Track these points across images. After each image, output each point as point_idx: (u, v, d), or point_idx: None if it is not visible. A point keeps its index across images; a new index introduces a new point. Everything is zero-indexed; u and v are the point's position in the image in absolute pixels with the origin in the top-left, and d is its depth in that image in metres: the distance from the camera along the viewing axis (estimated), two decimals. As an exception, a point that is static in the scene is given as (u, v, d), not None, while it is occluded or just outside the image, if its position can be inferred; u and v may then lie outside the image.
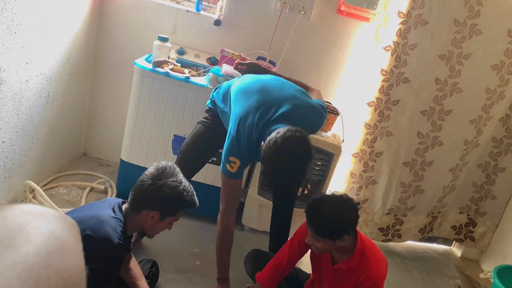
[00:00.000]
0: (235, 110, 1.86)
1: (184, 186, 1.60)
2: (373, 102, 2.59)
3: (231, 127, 1.84)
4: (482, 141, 2.77)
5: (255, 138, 1.79)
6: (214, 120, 2.11)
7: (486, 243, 3.01)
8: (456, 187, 2.91)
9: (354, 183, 2.77)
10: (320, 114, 1.95)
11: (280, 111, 1.79)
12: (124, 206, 1.62)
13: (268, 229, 2.47)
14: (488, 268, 2.84)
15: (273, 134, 1.66)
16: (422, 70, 2.52)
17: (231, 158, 1.83)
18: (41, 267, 0.41)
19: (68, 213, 1.57)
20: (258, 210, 2.71)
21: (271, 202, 2.40)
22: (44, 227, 0.46)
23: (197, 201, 1.66)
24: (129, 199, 1.61)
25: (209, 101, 2.16)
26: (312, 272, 2.01)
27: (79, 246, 0.49)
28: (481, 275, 2.77)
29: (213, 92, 2.14)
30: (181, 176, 1.62)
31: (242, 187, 2.65)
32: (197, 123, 2.18)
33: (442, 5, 2.40)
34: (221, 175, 1.91)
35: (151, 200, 1.56)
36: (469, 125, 2.69)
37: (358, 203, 1.75)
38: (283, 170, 1.66)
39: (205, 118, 2.15)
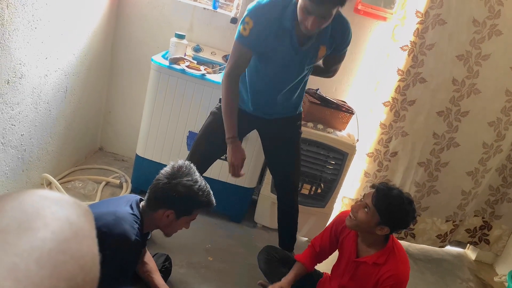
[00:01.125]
0: None
1: (199, 186, 1.60)
2: (389, 102, 2.57)
3: None
4: (505, 146, 2.73)
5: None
6: None
7: (501, 246, 2.97)
8: (478, 194, 2.87)
9: (368, 182, 2.75)
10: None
11: None
12: (141, 204, 1.64)
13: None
14: (503, 272, 2.81)
15: None
16: (439, 71, 2.50)
17: (246, 19, 1.78)
18: (58, 253, 0.42)
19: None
20: (270, 207, 2.71)
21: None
22: (61, 212, 0.46)
23: (214, 201, 1.66)
24: (145, 197, 1.63)
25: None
26: (333, 266, 2.02)
27: (93, 233, 0.49)
28: (495, 279, 2.74)
29: None
30: (197, 175, 1.63)
31: (254, 185, 2.67)
32: (210, 113, 2.16)
33: (461, 4, 2.37)
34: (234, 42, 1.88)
35: (166, 199, 1.57)
36: (487, 127, 2.66)
37: (419, 215, 1.76)
38: None
39: (218, 108, 2.11)
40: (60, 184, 2.49)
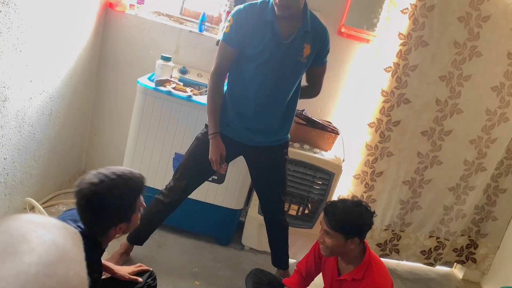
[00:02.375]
0: None
1: (108, 183, 1.35)
2: (373, 123, 2.60)
3: None
4: (488, 165, 2.77)
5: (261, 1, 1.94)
6: None
7: (488, 265, 2.98)
8: (466, 214, 2.89)
9: (355, 203, 2.75)
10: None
11: None
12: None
13: (268, 249, 2.45)
14: (490, 290, 2.81)
15: None
16: (423, 91, 2.55)
17: (229, 19, 1.94)
18: (44, 277, 0.41)
19: None
20: (258, 229, 2.69)
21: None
22: (47, 236, 0.46)
23: (140, 175, 1.44)
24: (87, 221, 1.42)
25: None
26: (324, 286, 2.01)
27: (81, 256, 0.49)
28: (483, 298, 2.74)
29: None
30: (99, 177, 1.35)
31: (242, 207, 2.66)
32: (195, 138, 2.18)
33: (443, 27, 2.43)
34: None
35: (109, 221, 1.40)
36: (468, 145, 2.70)
37: (374, 211, 1.77)
38: None
39: (203, 134, 2.15)
40: (43, 208, 2.43)
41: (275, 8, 1.87)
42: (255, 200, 2.64)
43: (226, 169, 2.13)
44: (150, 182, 2.53)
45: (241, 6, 1.95)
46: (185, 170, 2.16)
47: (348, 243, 1.71)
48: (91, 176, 1.36)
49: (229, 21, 1.93)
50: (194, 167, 2.14)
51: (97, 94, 2.90)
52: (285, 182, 2.29)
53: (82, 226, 1.40)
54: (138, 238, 2.28)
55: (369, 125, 2.61)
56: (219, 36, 2.67)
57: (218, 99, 2.03)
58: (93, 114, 2.95)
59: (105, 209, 1.36)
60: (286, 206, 2.54)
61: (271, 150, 2.15)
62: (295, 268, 2.06)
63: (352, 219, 1.70)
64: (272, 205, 2.32)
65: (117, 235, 1.52)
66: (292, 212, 2.65)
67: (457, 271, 3.15)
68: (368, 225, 1.74)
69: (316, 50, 2.01)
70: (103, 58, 2.82)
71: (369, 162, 2.66)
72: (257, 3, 1.96)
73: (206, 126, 2.13)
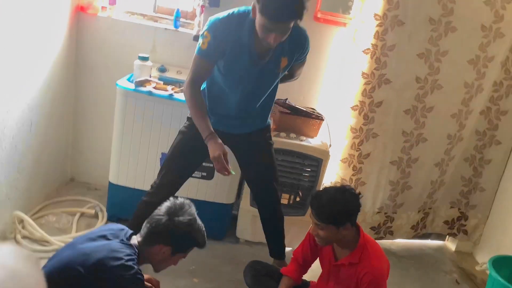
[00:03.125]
0: None
1: (198, 225, 1.64)
2: (356, 106, 2.62)
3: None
4: (466, 135, 2.82)
5: (237, 14, 1.86)
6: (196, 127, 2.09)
7: (479, 235, 3.04)
8: (445, 182, 2.94)
9: (346, 187, 2.78)
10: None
11: None
12: (134, 238, 1.61)
13: (263, 240, 2.46)
14: (483, 260, 2.87)
15: None
16: (402, 70, 2.57)
17: (205, 33, 1.87)
18: None
19: (68, 247, 1.54)
20: (252, 221, 2.69)
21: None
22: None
23: (206, 241, 1.70)
24: (143, 232, 1.61)
25: None
26: (320, 273, 2.02)
27: (36, 271, 0.52)
28: (477, 268, 2.80)
29: None
30: (195, 213, 1.65)
31: (233, 201, 2.65)
32: (179, 132, 2.16)
33: (417, 4, 2.45)
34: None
35: (166, 235, 1.58)
36: (450, 120, 2.74)
37: (359, 193, 1.78)
38: None
39: (187, 126, 2.13)
40: (33, 220, 2.40)
41: (264, 41, 1.80)
42: (246, 192, 2.65)
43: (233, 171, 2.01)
44: (138, 184, 2.53)
45: (218, 17, 1.87)
46: (170, 166, 2.14)
47: (340, 230, 1.72)
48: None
49: (205, 36, 1.86)
50: (180, 162, 2.12)
51: (77, 100, 2.86)
52: (274, 168, 2.28)
53: (125, 240, 1.53)
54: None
55: (352, 108, 2.63)
56: (195, 33, 2.66)
57: (200, 105, 1.97)
58: (74, 121, 2.91)
59: (177, 224, 1.57)
60: (278, 195, 2.56)
61: (252, 135, 2.16)
62: (292, 257, 2.08)
63: (339, 207, 1.71)
64: (265, 193, 2.31)
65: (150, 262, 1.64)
66: (284, 201, 2.66)
67: (450, 244, 3.21)
68: (356, 208, 1.75)
69: (294, 59, 2.02)
70: (79, 63, 2.77)
71: (355, 145, 2.68)
72: (234, 14, 1.88)
73: (188, 118, 2.12)
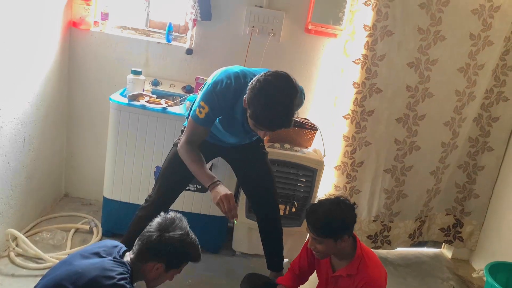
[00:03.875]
0: (220, 69, 1.94)
1: (191, 239, 1.61)
2: (348, 114, 2.64)
3: (213, 76, 1.91)
4: (460, 142, 2.84)
5: (234, 87, 1.84)
6: None
7: (474, 241, 3.05)
8: (441, 190, 2.96)
9: (340, 196, 2.78)
10: (300, 90, 1.97)
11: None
12: (127, 254, 1.60)
13: (260, 252, 2.45)
14: (479, 266, 2.87)
15: (256, 77, 1.73)
16: (392, 79, 2.60)
17: (202, 103, 1.87)
18: None
19: (61, 265, 1.52)
20: (247, 233, 2.69)
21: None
22: None
23: (201, 255, 1.67)
24: (135, 249, 1.59)
25: (186, 121, 2.14)
26: (317, 284, 2.01)
27: None
28: (474, 274, 2.80)
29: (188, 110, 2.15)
30: (188, 227, 1.63)
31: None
32: (173, 145, 2.15)
33: (405, 15, 2.48)
34: (189, 119, 1.96)
35: (159, 252, 1.56)
36: (443, 128, 2.76)
37: (354, 203, 1.78)
38: (270, 100, 1.67)
39: (181, 139, 2.12)
40: (27, 237, 2.38)
41: (254, 131, 1.83)
42: (241, 204, 2.64)
43: (236, 220, 1.93)
44: (132, 199, 2.52)
45: (216, 90, 1.85)
46: (165, 180, 2.14)
47: (338, 243, 1.73)
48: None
49: (202, 106, 1.86)
50: (174, 174, 2.11)
51: (70, 114, 2.86)
52: (271, 178, 2.28)
53: (118, 258, 1.52)
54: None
55: (344, 117, 2.65)
56: (188, 46, 2.68)
57: (197, 157, 1.95)
58: (68, 136, 2.90)
59: (169, 240, 1.54)
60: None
61: (245, 146, 2.18)
62: (289, 267, 2.07)
63: (335, 220, 1.71)
64: (265, 207, 2.30)
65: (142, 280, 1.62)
66: (280, 212, 2.65)
67: (446, 251, 3.21)
68: (352, 219, 1.76)
69: None
70: (72, 78, 2.78)
71: (348, 153, 2.70)
72: (230, 87, 1.84)
73: (183, 131, 2.12)
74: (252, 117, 1.73)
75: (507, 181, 2.86)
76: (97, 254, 1.52)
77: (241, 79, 1.85)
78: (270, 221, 2.33)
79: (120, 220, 2.49)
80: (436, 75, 2.62)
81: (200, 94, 1.94)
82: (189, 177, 2.16)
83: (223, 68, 1.94)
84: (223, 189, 1.87)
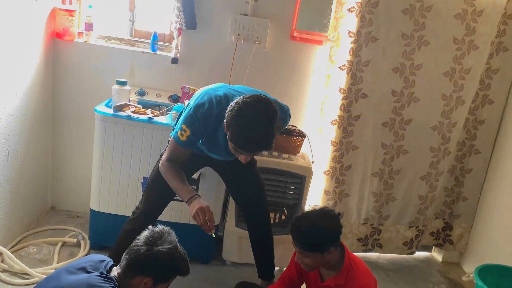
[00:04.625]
0: (203, 89, 1.93)
1: (179, 253, 1.58)
2: (336, 120, 2.65)
3: (195, 98, 1.89)
4: (452, 148, 2.85)
5: (216, 112, 1.82)
6: None
7: (464, 244, 3.06)
8: (436, 198, 2.97)
9: (329, 200, 2.79)
10: (283, 110, 1.99)
11: (245, 92, 1.87)
12: (115, 269, 1.56)
13: (250, 261, 2.43)
14: (470, 269, 2.88)
15: (234, 100, 1.72)
16: (378, 85, 2.61)
17: (184, 126, 1.86)
18: None
19: (48, 281, 1.50)
20: (238, 242, 2.67)
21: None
22: None
23: (189, 269, 1.64)
24: (122, 264, 1.56)
25: (173, 131, 2.11)
26: None
27: None
28: (464, 278, 2.80)
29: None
30: (176, 240, 1.60)
31: (217, 223, 2.62)
32: (160, 155, 2.13)
33: (389, 21, 2.50)
34: (171, 139, 1.95)
35: (146, 266, 1.52)
36: (431, 132, 2.78)
37: (339, 213, 1.77)
38: (249, 123, 1.66)
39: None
40: (12, 252, 2.34)
41: (235, 155, 1.83)
42: (231, 213, 2.62)
43: (215, 232, 1.93)
44: (120, 210, 2.49)
45: (198, 114, 1.84)
46: (151, 192, 2.12)
47: (325, 256, 1.71)
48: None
49: (184, 129, 1.86)
50: (161, 186, 2.07)
51: (55, 126, 2.83)
52: (261, 186, 2.27)
53: (104, 272, 1.50)
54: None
55: (331, 122, 2.66)
56: (173, 55, 2.67)
57: (177, 173, 1.95)
58: (53, 148, 2.87)
59: (157, 254, 1.51)
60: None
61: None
62: (280, 277, 2.05)
63: (320, 235, 1.69)
64: (257, 216, 2.30)
65: None
66: (270, 220, 2.64)
67: (436, 255, 3.21)
68: (337, 232, 1.73)
69: None
70: (56, 89, 2.75)
71: (337, 157, 2.71)
72: (211, 112, 1.83)
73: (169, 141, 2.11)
74: (232, 140, 1.72)
75: (494, 183, 2.88)
76: (84, 269, 1.48)
77: (223, 103, 1.82)
78: (261, 229, 2.32)
79: (108, 233, 2.45)
80: (421, 79, 2.64)
81: (182, 115, 1.93)
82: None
83: (206, 88, 1.93)
84: (199, 203, 1.86)
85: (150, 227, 1.62)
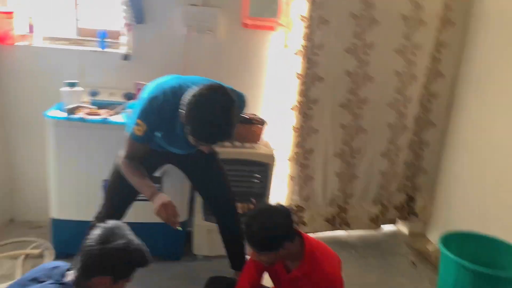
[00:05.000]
0: (153, 82, 1.89)
1: (135, 245, 1.51)
2: (295, 105, 2.66)
3: (148, 91, 1.85)
4: (409, 123, 2.93)
5: (171, 103, 1.78)
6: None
7: (428, 215, 3.15)
8: (398, 173, 3.04)
9: (295, 185, 2.82)
10: (240, 97, 1.96)
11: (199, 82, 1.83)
12: (70, 274, 1.50)
13: (221, 253, 2.42)
14: (434, 238, 2.98)
15: (190, 93, 1.69)
16: (333, 67, 2.64)
17: (139, 121, 1.82)
18: None
19: None
20: (207, 236, 2.65)
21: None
22: None
23: (149, 258, 1.57)
24: (77, 267, 1.48)
25: (128, 128, 2.02)
26: (273, 285, 2.00)
27: None
28: (430, 247, 2.90)
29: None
30: (129, 234, 1.54)
31: (185, 219, 2.60)
32: (117, 156, 2.06)
33: (338, 2, 2.53)
34: (126, 135, 1.89)
35: (101, 266, 1.46)
36: (388, 109, 2.84)
37: (290, 207, 1.76)
38: (207, 114, 1.64)
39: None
40: (-30, 271, 2.23)
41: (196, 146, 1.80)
42: (198, 207, 2.60)
43: (180, 227, 1.90)
44: (82, 216, 2.40)
45: (152, 107, 1.80)
46: (112, 193, 2.07)
47: (281, 251, 1.69)
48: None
49: (139, 124, 1.81)
50: (122, 186, 2.02)
51: (7, 135, 2.70)
52: (224, 178, 2.25)
53: (59, 279, 1.44)
54: None
55: (292, 108, 2.67)
56: (124, 51, 2.59)
57: (137, 169, 1.91)
58: (7, 158, 2.74)
59: (110, 251, 1.44)
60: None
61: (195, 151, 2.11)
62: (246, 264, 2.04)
63: (270, 235, 1.67)
64: (222, 206, 2.28)
65: None
66: (238, 211, 2.64)
67: (402, 227, 3.31)
68: (289, 228, 1.71)
69: None
70: (2, 96, 2.62)
71: (299, 142, 2.73)
72: (166, 103, 1.80)
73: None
74: (192, 133, 1.70)
75: (451, 154, 2.98)
76: (36, 280, 1.43)
77: (177, 93, 1.79)
78: (229, 222, 2.31)
79: (72, 240, 2.34)
80: (374, 58, 2.69)
81: (136, 110, 1.87)
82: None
83: (158, 81, 1.89)
84: (161, 198, 1.83)
85: (100, 224, 1.54)
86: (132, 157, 1.91)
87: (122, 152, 1.94)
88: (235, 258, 2.37)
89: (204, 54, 2.66)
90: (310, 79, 2.62)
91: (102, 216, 2.07)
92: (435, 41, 2.79)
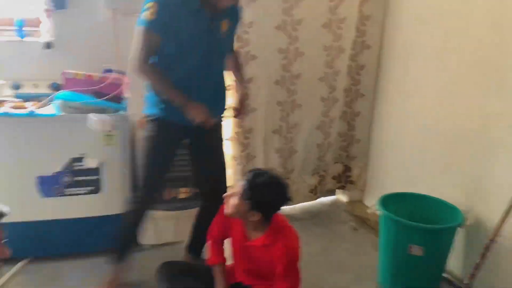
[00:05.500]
0: None
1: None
2: (230, 85, 2.65)
3: None
4: (339, 95, 3.04)
5: None
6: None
7: (364, 182, 3.32)
8: (333, 143, 3.16)
9: (238, 165, 2.84)
10: None
11: None
12: None
13: (169, 240, 2.39)
14: (372, 203, 3.14)
15: None
16: (264, 44, 2.68)
17: (149, 4, 1.78)
18: None
19: None
20: (152, 224, 2.60)
21: (163, 212, 2.32)
22: None
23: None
24: None
25: (138, 21, 1.92)
26: (232, 252, 2.02)
27: None
28: (368, 211, 3.06)
29: None
30: None
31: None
32: (144, 139, 2.07)
33: (264, -22, 2.55)
34: (137, 30, 1.84)
35: None
36: (319, 83, 2.93)
37: (289, 197, 1.81)
38: None
39: (153, 127, 2.03)
40: None
41: (219, 3, 1.83)
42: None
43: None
44: (18, 217, 2.26)
45: None
46: (153, 177, 2.09)
47: (249, 214, 1.74)
48: None
49: (151, 7, 1.76)
50: (160, 169, 2.06)
51: None
52: (225, 169, 2.28)
53: None
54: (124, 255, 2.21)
55: (227, 88, 2.66)
56: (45, 40, 2.44)
57: (166, 78, 1.89)
58: None
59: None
60: (175, 192, 2.57)
61: (213, 129, 2.07)
62: (209, 241, 2.04)
63: (265, 196, 1.74)
64: (215, 194, 2.18)
65: None
66: (182, 195, 2.62)
67: (341, 196, 3.46)
68: (277, 208, 1.80)
69: (232, 25, 2.04)
70: None
71: (238, 122, 2.76)
72: None
73: (150, 121, 2.03)
74: None
75: (380, 122, 3.14)
76: None
77: None
78: (217, 204, 2.26)
79: (16, 244, 2.23)
80: (303, 34, 2.76)
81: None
82: (171, 160, 2.17)
83: None
84: (194, 110, 1.86)
85: None
86: (147, 56, 1.85)
87: (135, 55, 1.86)
88: (199, 241, 2.34)
89: (133, 37, 2.57)
90: (244, 58, 2.63)
91: (140, 200, 2.11)
92: (358, 13, 2.90)
